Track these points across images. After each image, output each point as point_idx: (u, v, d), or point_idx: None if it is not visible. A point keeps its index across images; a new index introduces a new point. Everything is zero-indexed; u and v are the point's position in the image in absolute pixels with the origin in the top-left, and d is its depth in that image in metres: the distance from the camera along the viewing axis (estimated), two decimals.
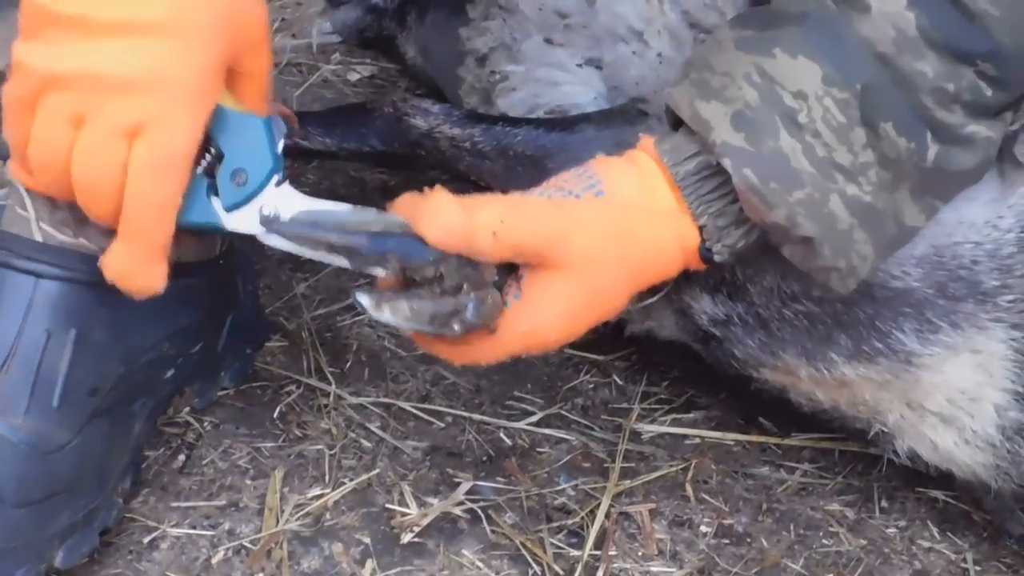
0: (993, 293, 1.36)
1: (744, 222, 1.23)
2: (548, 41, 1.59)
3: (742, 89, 1.21)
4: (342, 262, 1.20)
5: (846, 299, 1.37)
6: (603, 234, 1.21)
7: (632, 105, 1.47)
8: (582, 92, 1.55)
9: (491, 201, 1.20)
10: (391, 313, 1.17)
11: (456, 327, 1.18)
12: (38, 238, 1.32)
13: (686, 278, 1.35)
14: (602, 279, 1.21)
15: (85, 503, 1.33)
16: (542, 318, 1.21)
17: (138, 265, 1.18)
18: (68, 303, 1.32)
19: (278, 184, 1.20)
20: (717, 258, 1.24)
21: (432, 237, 1.16)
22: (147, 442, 1.46)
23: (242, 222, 1.20)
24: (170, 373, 1.43)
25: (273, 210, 1.20)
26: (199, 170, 1.20)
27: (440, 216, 1.16)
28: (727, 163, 1.20)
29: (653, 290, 1.32)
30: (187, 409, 1.52)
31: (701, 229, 1.23)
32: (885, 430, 1.46)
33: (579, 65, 1.56)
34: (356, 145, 1.62)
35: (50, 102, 1.15)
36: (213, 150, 1.20)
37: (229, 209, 1.20)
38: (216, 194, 1.20)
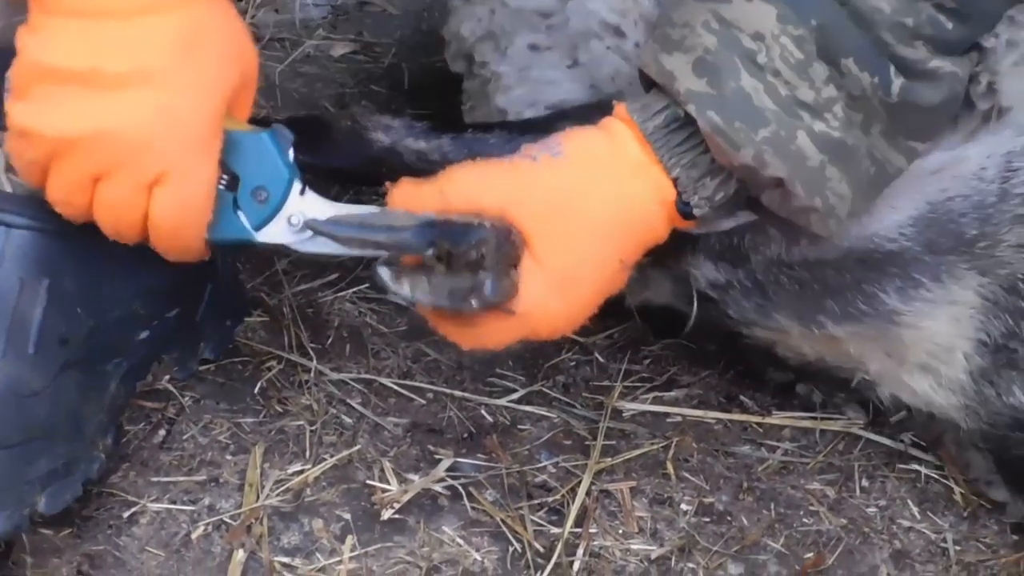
0: (971, 241, 1.38)
1: (718, 172, 1.24)
2: (533, 47, 1.59)
3: (701, 36, 1.22)
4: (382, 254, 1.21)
5: (837, 265, 1.39)
6: (559, 191, 1.22)
7: (609, 99, 1.48)
8: (579, 90, 1.55)
9: (451, 168, 1.24)
10: (411, 288, 1.19)
11: (474, 303, 1.19)
12: (7, 188, 1.32)
13: (692, 247, 1.35)
14: (577, 242, 1.22)
15: (63, 451, 1.33)
16: (532, 296, 1.22)
17: (186, 256, 1.26)
18: (40, 252, 1.33)
19: (302, 193, 1.23)
20: (697, 212, 1.24)
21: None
22: (126, 406, 1.46)
23: (272, 235, 1.24)
24: (144, 335, 1.44)
25: (300, 219, 1.22)
26: (221, 186, 1.23)
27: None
28: (691, 108, 1.21)
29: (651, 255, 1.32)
30: (167, 378, 1.51)
31: (675, 182, 1.23)
32: (867, 378, 1.50)
33: (568, 66, 1.56)
34: (316, 161, 1.58)
35: (66, 167, 1.17)
36: (227, 175, 1.22)
37: (257, 227, 1.23)
38: (240, 209, 1.23)
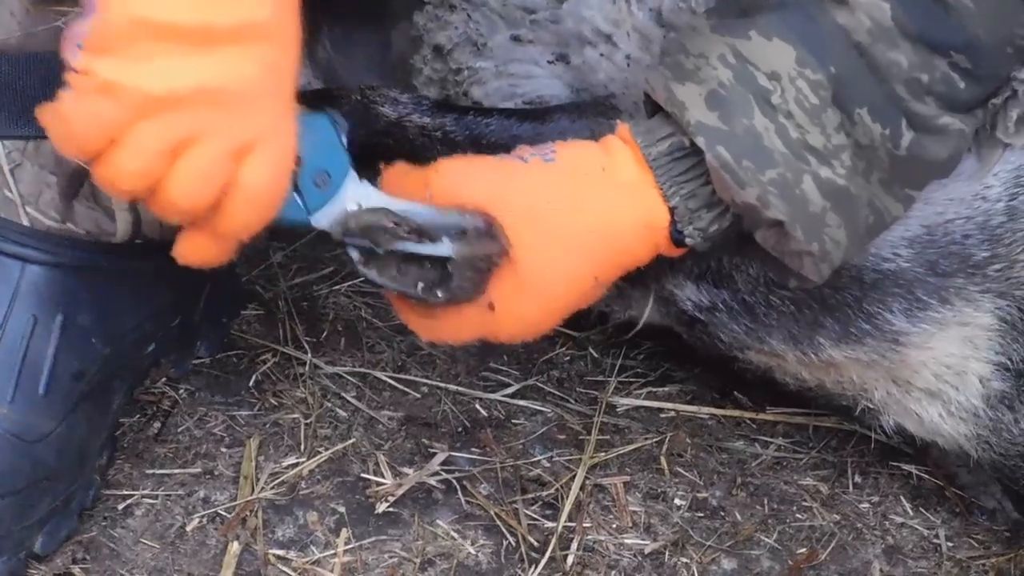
0: (983, 264, 1.37)
1: (716, 205, 1.23)
2: (516, 39, 1.58)
3: (716, 69, 1.21)
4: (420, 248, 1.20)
5: (834, 284, 1.37)
6: (544, 196, 1.21)
7: (606, 99, 1.47)
8: (558, 85, 1.55)
9: (442, 159, 1.23)
10: (378, 272, 1.19)
11: (440, 295, 1.19)
12: (25, 222, 1.31)
13: (669, 267, 1.35)
14: (554, 250, 1.21)
15: (65, 488, 1.33)
16: (500, 297, 1.21)
17: (223, 252, 1.15)
18: (55, 288, 1.32)
19: (359, 180, 1.20)
20: (689, 241, 1.23)
21: None
22: (123, 414, 1.46)
23: (328, 219, 1.20)
24: (150, 348, 1.43)
25: (356, 206, 1.19)
26: None
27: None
28: (700, 141, 1.19)
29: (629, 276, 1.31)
30: (163, 379, 1.51)
31: (673, 211, 1.22)
32: (871, 406, 1.47)
33: (550, 62, 1.55)
34: None
35: (155, 128, 1.06)
36: None
37: (313, 210, 1.19)
38: (299, 191, 1.19)
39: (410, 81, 1.70)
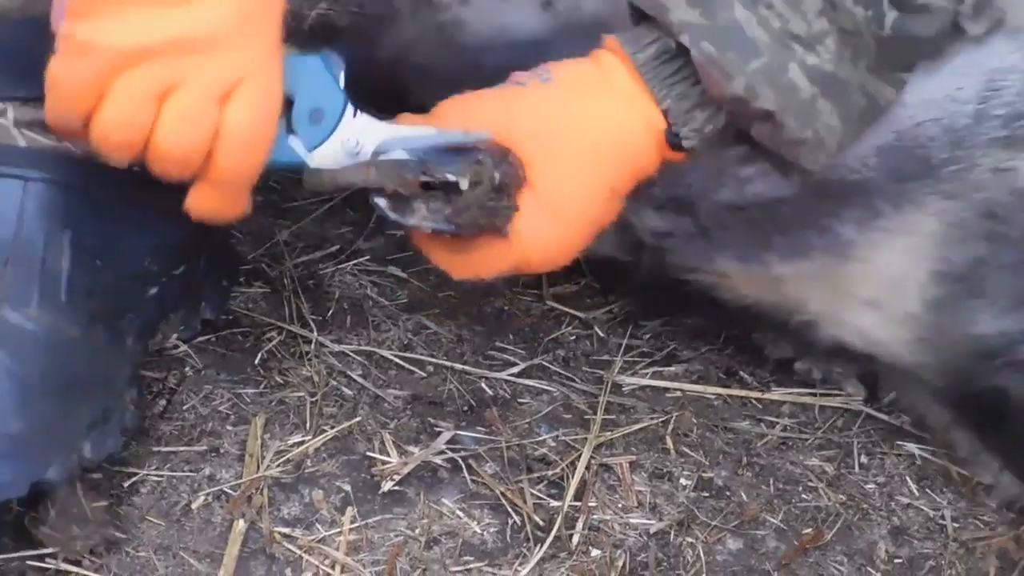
0: (939, 166, 1.36)
1: (707, 104, 1.24)
2: None
3: None
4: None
5: (795, 201, 1.39)
6: (549, 115, 1.24)
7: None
8: (551, 31, 1.53)
9: (440, 103, 1.26)
10: (409, 214, 1.21)
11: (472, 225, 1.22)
12: (21, 143, 1.32)
13: (633, 197, 1.35)
14: (568, 166, 1.23)
15: (100, 401, 1.34)
16: (525, 221, 1.23)
17: (231, 203, 1.18)
18: (59, 205, 1.33)
19: (355, 115, 1.21)
20: (686, 143, 1.25)
21: None
22: (142, 364, 1.47)
23: (326, 158, 1.21)
24: (154, 291, 1.44)
25: (355, 142, 1.21)
26: None
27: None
28: (685, 39, 1.21)
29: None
30: (174, 337, 1.52)
31: (666, 113, 1.24)
32: (807, 318, 1.48)
33: (541, 8, 1.54)
34: None
35: (135, 79, 1.10)
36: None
37: (311, 149, 1.20)
38: (292, 133, 1.20)
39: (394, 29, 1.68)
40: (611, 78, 1.26)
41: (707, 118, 1.25)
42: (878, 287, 1.43)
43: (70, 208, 1.33)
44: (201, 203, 1.18)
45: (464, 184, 1.21)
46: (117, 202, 1.34)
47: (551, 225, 1.24)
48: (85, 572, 1.30)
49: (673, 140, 1.25)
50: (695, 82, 1.24)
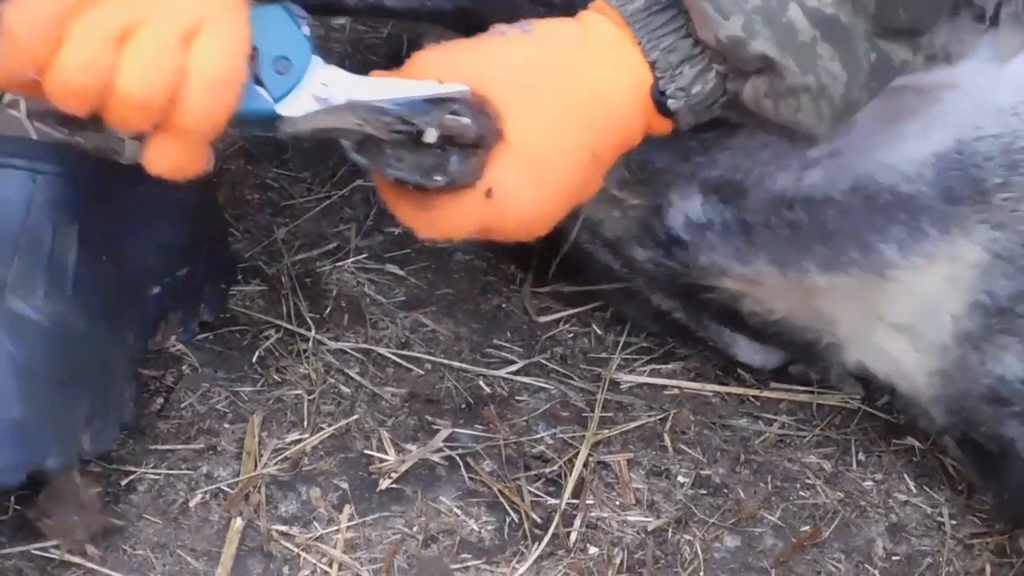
0: (991, 191, 1.32)
1: (697, 59, 1.17)
2: None
3: None
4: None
5: (843, 207, 1.34)
6: (530, 65, 1.17)
7: None
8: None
9: (415, 53, 1.19)
10: (372, 159, 1.15)
11: (439, 178, 1.15)
12: (33, 136, 1.32)
13: (688, 178, 1.31)
14: (548, 120, 1.16)
15: (100, 394, 1.34)
16: (499, 177, 1.15)
17: (192, 156, 1.10)
18: (68, 198, 1.33)
19: (324, 65, 1.16)
20: (672, 103, 1.18)
21: None
22: (140, 363, 1.47)
23: (296, 108, 1.15)
24: (156, 290, 1.45)
25: (324, 90, 1.15)
26: None
27: None
28: None
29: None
30: (173, 338, 1.52)
31: (653, 66, 1.17)
32: (835, 342, 1.45)
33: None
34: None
35: (93, 20, 1.04)
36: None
37: (279, 99, 1.15)
38: (262, 84, 1.14)
39: None
40: (594, 32, 1.18)
41: (695, 75, 1.17)
42: (912, 313, 1.38)
43: (79, 202, 1.34)
44: (161, 156, 1.09)
45: (433, 135, 1.14)
46: (125, 199, 1.35)
47: (527, 184, 1.16)
48: (85, 563, 1.30)
49: (659, 99, 1.18)
50: (685, 35, 1.17)
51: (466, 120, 1.15)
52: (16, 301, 1.30)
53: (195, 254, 1.50)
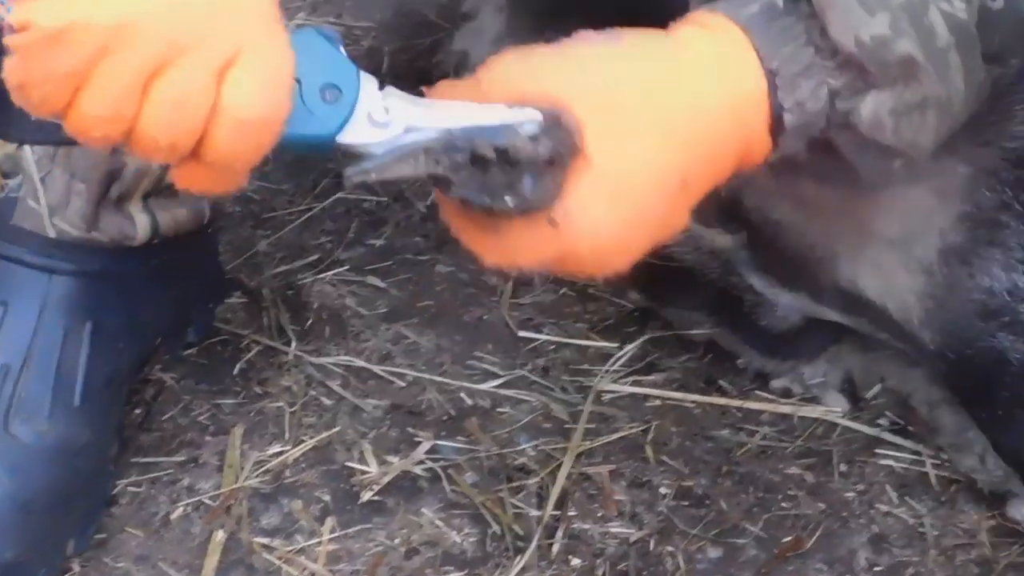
0: (983, 115, 1.23)
1: (815, 72, 1.06)
2: None
3: None
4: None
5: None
6: (619, 77, 1.04)
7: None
8: None
9: (491, 58, 1.07)
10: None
11: (510, 201, 1.01)
12: (51, 234, 1.32)
13: None
14: (635, 141, 1.03)
15: (97, 490, 1.35)
16: (576, 201, 1.02)
17: (223, 183, 1.00)
18: (83, 296, 1.33)
19: (380, 87, 1.04)
20: (788, 118, 1.06)
21: None
22: None
23: (352, 135, 1.03)
24: (160, 340, 1.46)
25: (383, 114, 1.03)
26: None
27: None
28: None
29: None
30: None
31: (773, 76, 1.05)
32: (829, 255, 1.41)
33: None
34: None
35: (119, 63, 0.92)
36: None
37: (334, 131, 1.03)
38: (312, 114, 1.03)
39: None
40: (691, 44, 1.06)
41: (810, 92, 1.06)
42: (901, 225, 1.35)
43: (95, 297, 1.33)
44: (190, 181, 1.00)
45: (490, 150, 1.01)
46: (136, 278, 1.35)
47: (608, 209, 1.02)
48: None
49: (778, 112, 1.05)
50: (806, 42, 1.05)
51: (542, 145, 1.02)
52: (20, 427, 1.29)
53: (189, 288, 1.50)
